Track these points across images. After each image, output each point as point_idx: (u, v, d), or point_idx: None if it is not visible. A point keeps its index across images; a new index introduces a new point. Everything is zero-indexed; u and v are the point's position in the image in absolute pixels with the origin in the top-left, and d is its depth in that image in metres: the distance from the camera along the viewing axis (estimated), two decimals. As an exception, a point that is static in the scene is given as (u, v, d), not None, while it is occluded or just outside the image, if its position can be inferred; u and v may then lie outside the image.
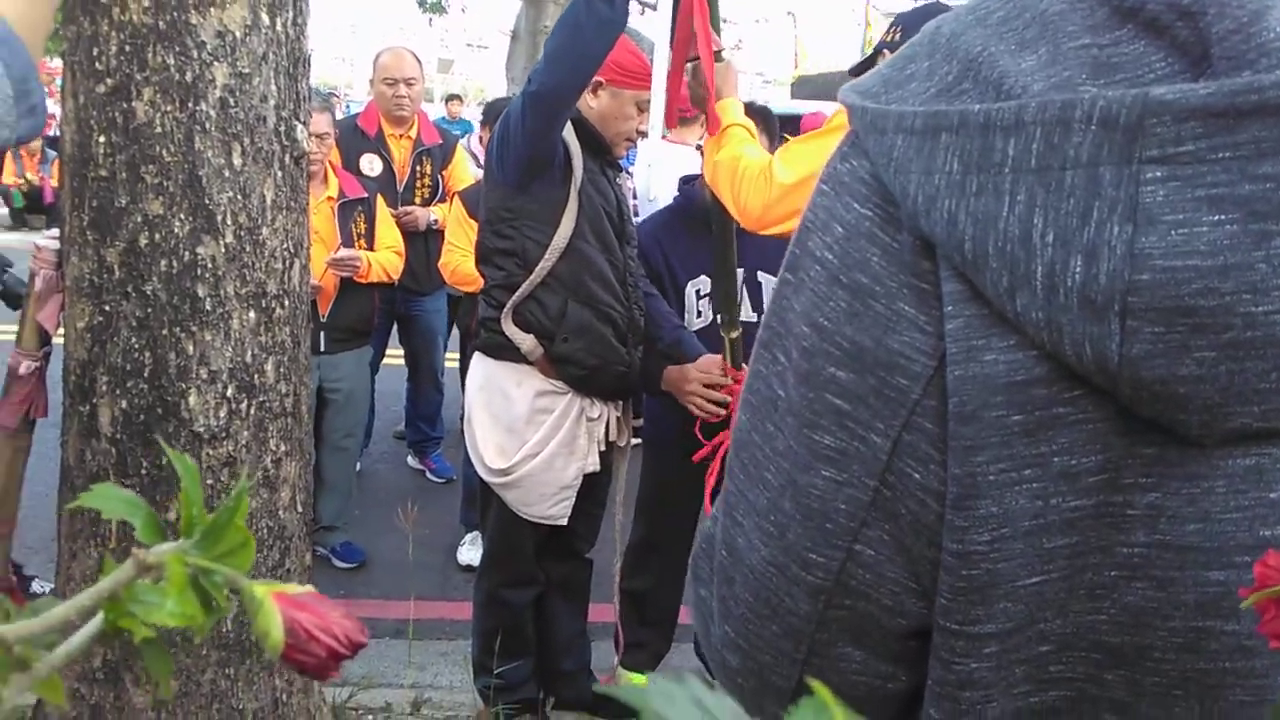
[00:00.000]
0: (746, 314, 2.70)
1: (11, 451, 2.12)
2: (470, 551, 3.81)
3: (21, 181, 10.57)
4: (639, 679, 3.02)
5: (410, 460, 4.88)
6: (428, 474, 4.76)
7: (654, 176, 4.43)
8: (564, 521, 2.51)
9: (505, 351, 2.42)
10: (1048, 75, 0.48)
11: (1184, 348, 0.44)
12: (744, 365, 2.51)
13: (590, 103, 2.43)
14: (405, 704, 2.78)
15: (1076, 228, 0.45)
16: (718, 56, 2.30)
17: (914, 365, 0.51)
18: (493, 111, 4.14)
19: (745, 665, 0.60)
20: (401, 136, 4.19)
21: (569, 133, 2.39)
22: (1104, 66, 0.48)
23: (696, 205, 2.72)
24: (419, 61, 4.28)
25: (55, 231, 2.06)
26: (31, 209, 10.62)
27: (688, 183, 2.91)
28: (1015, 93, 0.48)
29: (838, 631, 0.57)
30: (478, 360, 2.52)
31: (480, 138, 4.99)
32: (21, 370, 2.05)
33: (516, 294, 2.37)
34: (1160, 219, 0.43)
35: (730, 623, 0.61)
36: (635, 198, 4.22)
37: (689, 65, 2.33)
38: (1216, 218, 0.43)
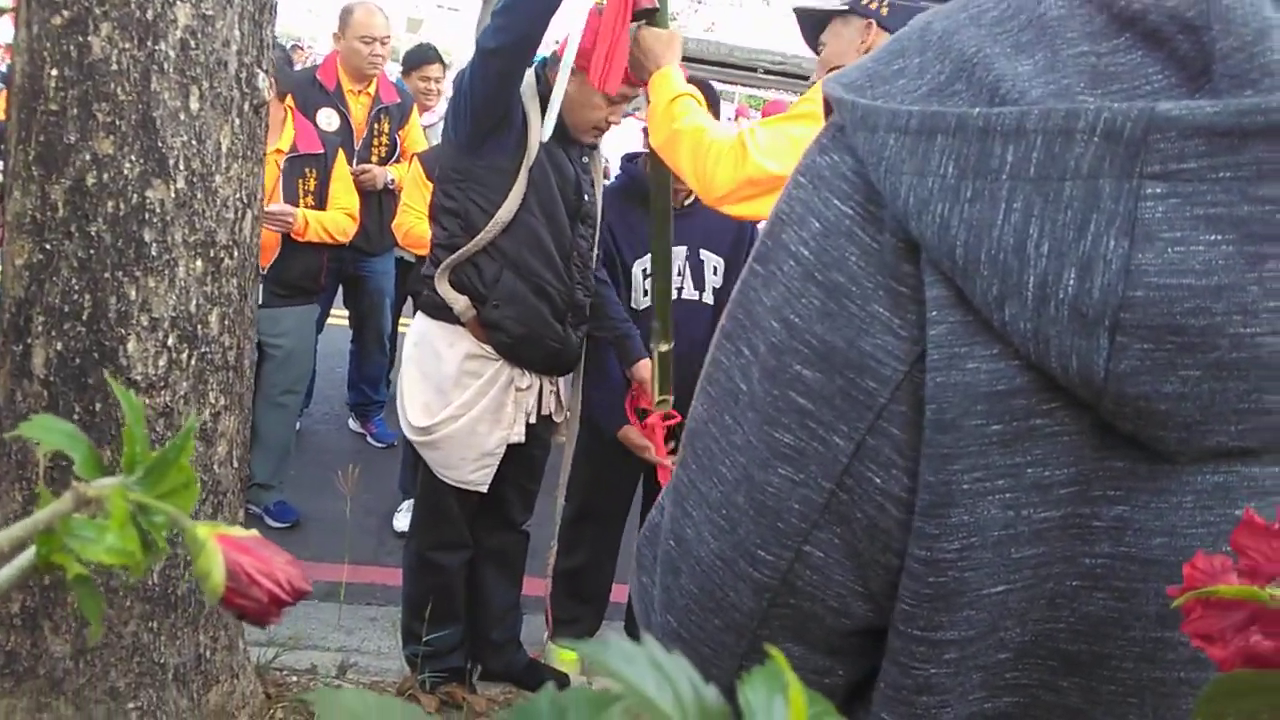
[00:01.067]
0: (689, 292, 2.73)
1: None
2: (406, 518, 3.79)
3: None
4: (569, 655, 3.03)
5: (352, 423, 4.83)
6: (369, 438, 4.72)
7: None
8: (484, 489, 2.51)
9: (441, 311, 2.43)
10: (1046, 82, 0.47)
11: (1170, 365, 0.44)
12: (670, 388, 2.54)
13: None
14: (331, 666, 2.75)
15: (1073, 240, 0.44)
16: (657, 21, 2.21)
17: (884, 369, 0.50)
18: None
19: (685, 656, 0.59)
20: (360, 93, 4.13)
21: (533, 105, 2.37)
22: (1101, 76, 0.47)
23: (639, 182, 2.73)
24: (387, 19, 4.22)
25: (-2, 163, 2.00)
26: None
27: (631, 160, 2.91)
28: (1013, 98, 0.47)
29: (779, 628, 0.57)
30: (418, 318, 2.54)
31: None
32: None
33: (455, 255, 2.36)
34: (1158, 236, 0.43)
35: (673, 613, 0.61)
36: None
37: (633, 28, 2.23)
38: (1213, 237, 0.43)
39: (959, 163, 0.47)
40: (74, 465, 1.18)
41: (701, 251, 2.74)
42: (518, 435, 2.51)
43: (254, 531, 0.28)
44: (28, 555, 0.26)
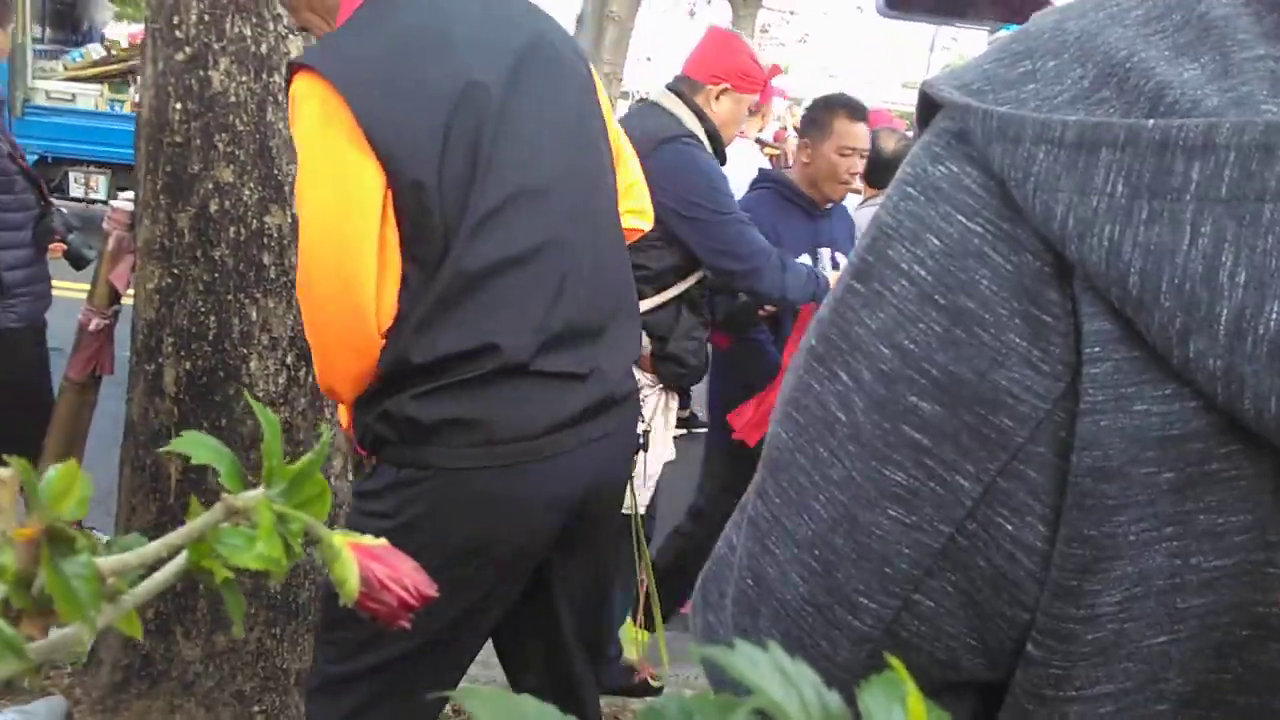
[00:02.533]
0: None
1: (79, 405, 2.20)
2: None
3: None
4: (636, 635, 3.08)
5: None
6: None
7: None
8: (643, 510, 2.56)
9: None
10: (1221, 89, 0.43)
11: None
12: None
13: (714, 108, 2.45)
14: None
15: (1275, 269, 0.40)
16: None
17: (1022, 406, 0.45)
18: None
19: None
20: None
21: (697, 129, 2.43)
22: None
23: (784, 183, 2.84)
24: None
25: (130, 194, 2.12)
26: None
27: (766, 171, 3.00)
28: (1183, 108, 0.42)
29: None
30: None
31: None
32: (91, 326, 2.11)
33: (647, 305, 2.40)
34: None
35: None
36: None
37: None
38: None
39: (1130, 180, 0.42)
40: (201, 479, 1.25)
41: (837, 256, 2.79)
42: (670, 454, 2.58)
43: (383, 540, 0.30)
44: (179, 560, 0.29)
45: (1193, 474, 0.43)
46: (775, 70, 2.70)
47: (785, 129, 8.77)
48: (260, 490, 0.28)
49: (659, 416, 2.51)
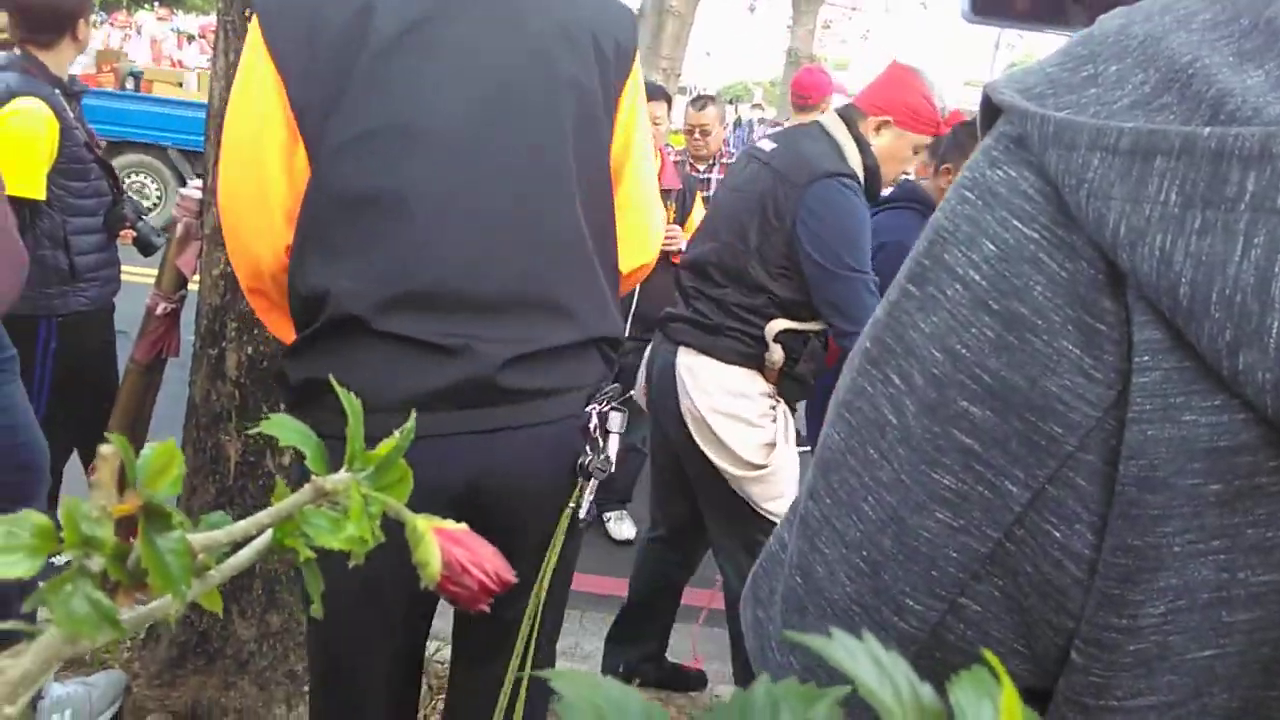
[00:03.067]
0: None
1: (143, 386, 2.25)
2: (619, 526, 3.89)
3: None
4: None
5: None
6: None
7: None
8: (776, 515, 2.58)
9: (747, 359, 2.45)
10: None
11: None
12: None
13: (874, 140, 2.42)
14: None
15: None
16: None
17: (1073, 414, 0.45)
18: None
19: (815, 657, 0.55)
20: None
21: (856, 163, 2.39)
22: None
23: (920, 193, 2.84)
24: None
25: (199, 181, 2.17)
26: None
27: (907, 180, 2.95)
28: (1244, 116, 0.42)
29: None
30: (708, 365, 2.48)
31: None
32: (158, 310, 2.16)
33: (800, 328, 2.42)
34: None
35: (797, 655, 0.56)
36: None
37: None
38: None
39: (1184, 189, 0.42)
40: (259, 461, 1.27)
41: None
42: (794, 468, 2.61)
43: (464, 525, 0.31)
44: (264, 538, 0.29)
45: (1241, 487, 0.43)
46: (956, 117, 2.63)
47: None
48: (348, 473, 0.29)
49: (783, 431, 2.51)
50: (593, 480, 1.35)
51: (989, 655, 0.25)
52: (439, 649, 2.72)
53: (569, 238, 1.34)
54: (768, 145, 2.49)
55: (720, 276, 2.44)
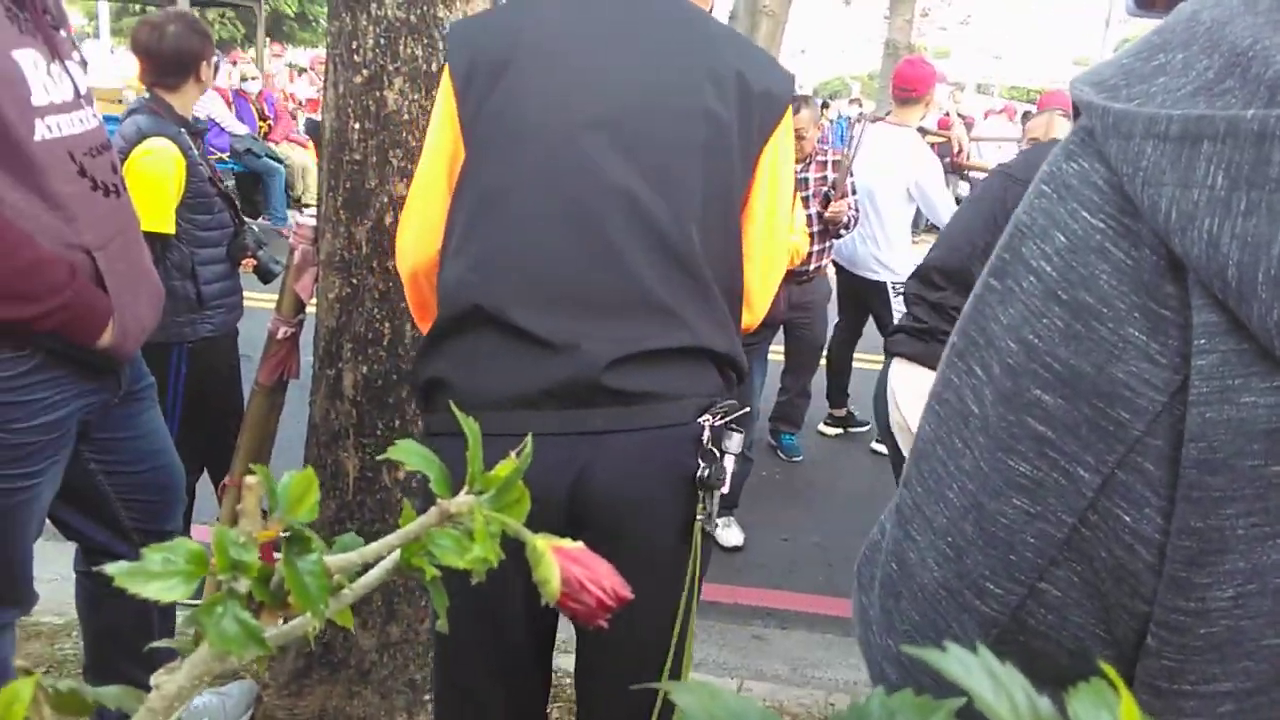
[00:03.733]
0: None
1: (268, 408, 2.35)
2: (727, 533, 3.87)
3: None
4: None
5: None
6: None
7: (870, 158, 4.32)
8: None
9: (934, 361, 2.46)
10: None
11: None
12: None
13: None
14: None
15: None
16: None
17: (1139, 399, 0.46)
18: None
19: (904, 682, 0.57)
20: None
21: None
22: None
23: None
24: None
25: (313, 210, 2.26)
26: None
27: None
28: None
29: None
30: (920, 375, 2.47)
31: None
32: (279, 334, 2.26)
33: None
34: None
35: (893, 637, 0.58)
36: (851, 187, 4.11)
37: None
38: None
39: (1230, 172, 0.42)
40: (376, 478, 1.31)
41: None
42: None
43: (580, 543, 0.32)
44: (392, 558, 0.31)
45: None
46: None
47: (949, 115, 8.49)
48: (471, 495, 0.30)
49: None
50: (715, 493, 1.34)
51: (1106, 668, 0.25)
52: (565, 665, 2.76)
53: (685, 255, 1.35)
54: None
55: (941, 279, 2.45)
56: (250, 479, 0.27)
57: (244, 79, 11.02)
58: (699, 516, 1.34)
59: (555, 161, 1.33)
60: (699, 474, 1.32)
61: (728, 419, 1.35)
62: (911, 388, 2.40)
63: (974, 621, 0.53)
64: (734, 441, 1.35)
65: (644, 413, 1.31)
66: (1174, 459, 0.45)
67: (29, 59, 1.51)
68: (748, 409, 1.41)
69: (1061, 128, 3.15)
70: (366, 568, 0.30)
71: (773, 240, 1.49)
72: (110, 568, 0.28)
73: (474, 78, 1.37)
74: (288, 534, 0.27)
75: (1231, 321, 0.43)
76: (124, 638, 2.06)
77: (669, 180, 1.34)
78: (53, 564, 2.61)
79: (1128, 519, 0.47)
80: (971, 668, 0.24)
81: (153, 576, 0.25)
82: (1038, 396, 0.49)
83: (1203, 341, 0.44)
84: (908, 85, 4.42)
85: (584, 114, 1.34)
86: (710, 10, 1.63)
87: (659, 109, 1.36)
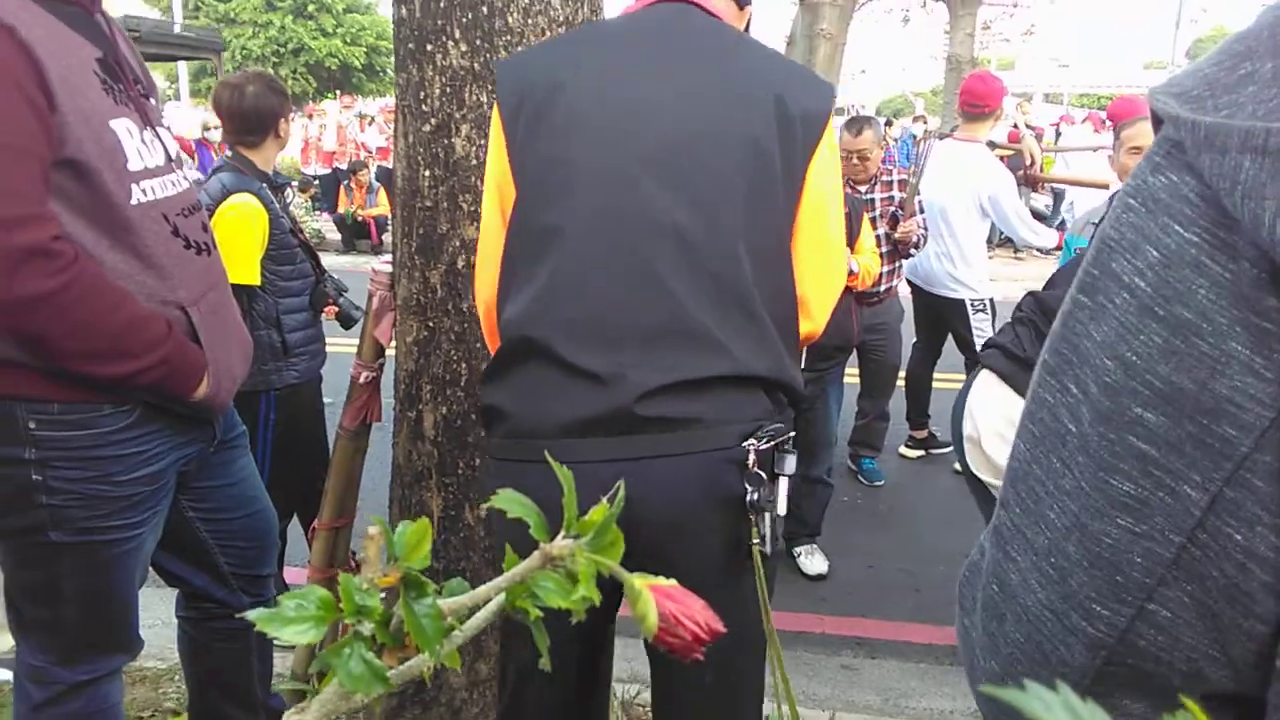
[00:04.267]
0: None
1: (352, 451, 2.42)
2: (810, 561, 3.83)
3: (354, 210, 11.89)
4: None
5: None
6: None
7: (940, 175, 4.28)
8: None
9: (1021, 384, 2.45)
10: None
11: None
12: None
13: None
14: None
15: None
16: None
17: (1245, 414, 0.45)
18: None
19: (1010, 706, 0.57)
20: None
21: None
22: None
23: None
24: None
25: (389, 256, 2.33)
26: (358, 234, 11.92)
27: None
28: None
29: (1115, 685, 0.53)
30: (1003, 394, 2.43)
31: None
32: (361, 379, 2.32)
33: None
34: None
35: (997, 660, 0.57)
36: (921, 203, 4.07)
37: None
38: None
39: None
40: (459, 516, 1.34)
41: None
42: None
43: (674, 581, 0.33)
44: (498, 600, 0.33)
45: None
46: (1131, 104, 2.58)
47: (1018, 128, 8.35)
48: (572, 539, 0.32)
49: None
50: (767, 516, 1.35)
51: (1191, 705, 0.25)
52: (639, 692, 2.76)
53: (732, 285, 1.38)
54: None
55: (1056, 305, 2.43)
56: (372, 529, 0.29)
57: (205, 128, 11.52)
58: (754, 540, 1.35)
59: (603, 202, 1.38)
60: (748, 497, 1.34)
61: (776, 442, 1.37)
62: (992, 403, 2.36)
63: (1081, 644, 0.52)
64: (786, 463, 1.38)
65: (687, 438, 1.34)
66: None
67: (124, 127, 1.60)
68: (793, 432, 1.43)
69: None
70: (474, 609, 0.32)
71: (824, 249, 1.51)
72: (251, 614, 0.30)
73: (521, 116, 1.44)
74: (405, 579, 0.29)
75: None
76: (225, 681, 2.12)
77: (716, 212, 1.39)
78: (154, 610, 2.71)
79: (1239, 537, 0.47)
80: (1052, 705, 0.25)
81: (288, 621, 0.27)
82: (1139, 414, 0.49)
83: None
84: (977, 100, 4.38)
85: (629, 152, 1.39)
86: (746, 27, 1.65)
87: (702, 142, 1.40)
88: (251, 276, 2.75)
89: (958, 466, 4.67)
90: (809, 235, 1.49)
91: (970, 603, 0.62)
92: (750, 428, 1.37)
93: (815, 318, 1.53)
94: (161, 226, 1.64)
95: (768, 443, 1.35)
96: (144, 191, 1.61)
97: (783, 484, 1.37)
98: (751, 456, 1.34)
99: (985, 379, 2.41)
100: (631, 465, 1.33)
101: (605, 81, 1.44)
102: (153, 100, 1.78)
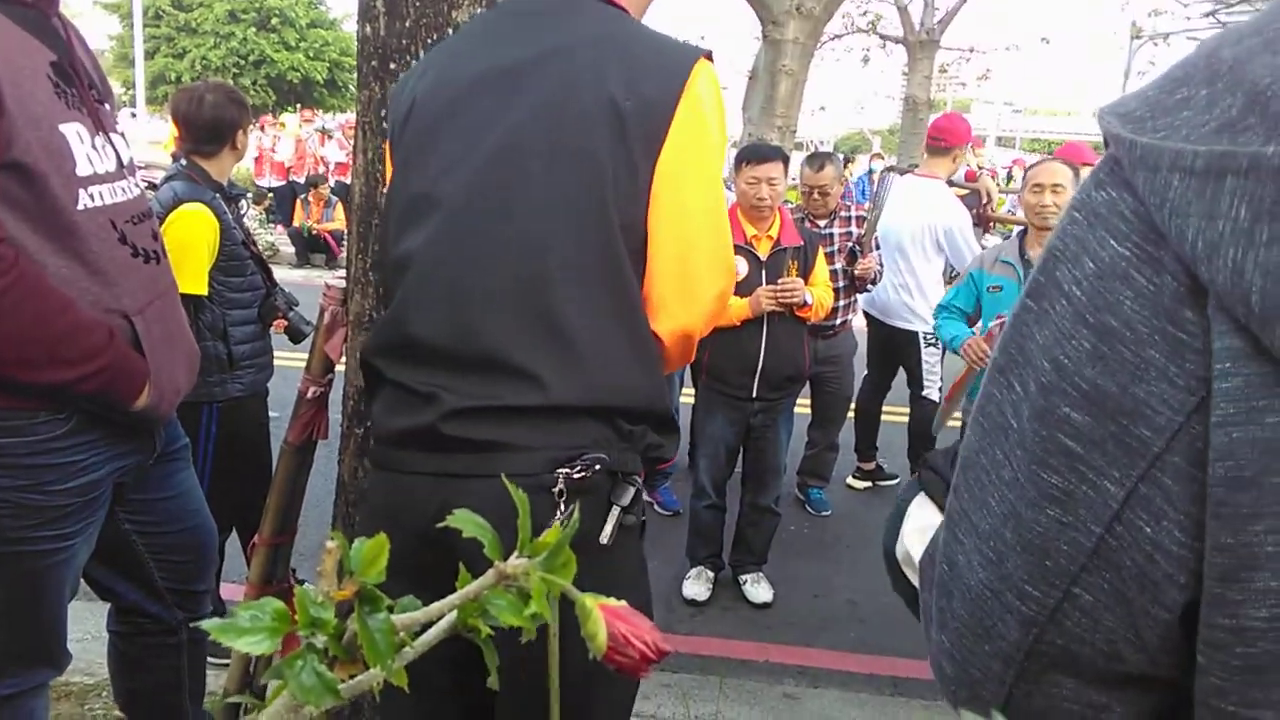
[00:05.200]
0: None
1: (296, 466, 2.38)
2: (694, 586, 3.85)
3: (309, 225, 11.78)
4: None
5: (640, 493, 5.02)
6: (655, 507, 4.88)
7: (899, 209, 4.37)
8: None
9: None
10: None
11: None
12: None
13: None
14: (629, 730, 2.85)
15: None
16: None
17: (1158, 418, 0.49)
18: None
19: (958, 675, 0.61)
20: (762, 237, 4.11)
21: None
22: None
23: None
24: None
25: (342, 272, 2.31)
26: (313, 248, 11.82)
27: None
28: None
29: (1048, 663, 0.57)
30: (935, 516, 2.43)
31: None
32: (309, 394, 2.29)
33: None
34: None
35: (946, 633, 0.62)
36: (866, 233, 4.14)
37: None
38: None
39: (1252, 205, 0.45)
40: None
41: None
42: None
43: (624, 602, 0.34)
44: (450, 618, 0.33)
45: None
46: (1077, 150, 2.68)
47: (973, 168, 8.54)
48: (526, 559, 0.32)
49: None
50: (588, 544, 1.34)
51: None
52: None
53: (556, 315, 1.35)
54: None
55: None
56: (330, 543, 0.30)
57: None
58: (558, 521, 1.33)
59: (438, 234, 1.41)
60: (559, 524, 1.30)
61: (613, 470, 1.34)
62: (928, 531, 2.39)
63: (1016, 621, 0.56)
64: (624, 495, 1.35)
65: (493, 460, 1.34)
66: (1193, 476, 0.48)
67: (74, 132, 1.57)
68: (636, 460, 1.39)
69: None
70: (426, 626, 0.32)
71: (683, 241, 1.40)
72: (206, 624, 0.30)
73: (394, 145, 1.51)
74: (359, 594, 0.29)
75: (1254, 346, 0.45)
76: (156, 698, 2.07)
77: (537, 233, 1.36)
78: (83, 623, 2.64)
79: (1148, 530, 0.50)
80: None
81: (242, 632, 0.27)
82: (1067, 414, 0.52)
83: (1227, 365, 0.46)
84: (940, 135, 4.50)
85: (466, 179, 1.40)
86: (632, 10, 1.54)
87: (530, 162, 1.37)
88: (199, 286, 2.71)
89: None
90: (667, 231, 1.39)
91: (929, 579, 0.66)
92: (567, 454, 1.33)
93: (678, 315, 1.43)
94: (108, 233, 1.62)
95: (582, 471, 1.32)
96: (91, 197, 1.58)
97: (613, 514, 1.34)
98: (559, 485, 1.30)
99: (921, 504, 2.42)
100: (444, 481, 1.37)
101: (441, 103, 1.46)
102: (107, 106, 1.75)
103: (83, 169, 1.57)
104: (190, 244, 2.67)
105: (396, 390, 1.43)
